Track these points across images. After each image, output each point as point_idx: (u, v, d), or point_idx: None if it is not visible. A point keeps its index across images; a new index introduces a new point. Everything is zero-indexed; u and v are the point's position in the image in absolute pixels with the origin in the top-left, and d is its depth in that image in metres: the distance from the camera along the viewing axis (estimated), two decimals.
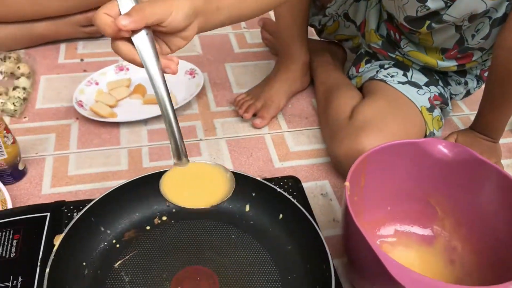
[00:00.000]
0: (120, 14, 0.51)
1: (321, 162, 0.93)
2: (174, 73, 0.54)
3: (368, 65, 0.99)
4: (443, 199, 0.76)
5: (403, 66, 0.94)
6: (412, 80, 0.92)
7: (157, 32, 0.54)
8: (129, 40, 0.52)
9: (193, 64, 1.11)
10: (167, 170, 0.58)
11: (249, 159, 0.93)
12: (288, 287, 0.66)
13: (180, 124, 0.98)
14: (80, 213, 0.66)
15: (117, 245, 0.70)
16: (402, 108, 0.87)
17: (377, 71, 0.95)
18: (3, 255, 0.68)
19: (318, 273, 0.64)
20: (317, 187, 0.88)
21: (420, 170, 0.75)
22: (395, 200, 0.78)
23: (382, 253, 0.56)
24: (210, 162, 0.61)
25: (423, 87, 0.91)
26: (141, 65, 0.52)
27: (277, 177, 0.80)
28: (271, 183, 0.73)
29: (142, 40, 0.51)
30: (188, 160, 0.58)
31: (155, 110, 1.00)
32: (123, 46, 0.52)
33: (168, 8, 0.52)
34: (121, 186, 0.71)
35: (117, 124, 0.99)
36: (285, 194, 0.70)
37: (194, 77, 1.08)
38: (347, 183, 0.65)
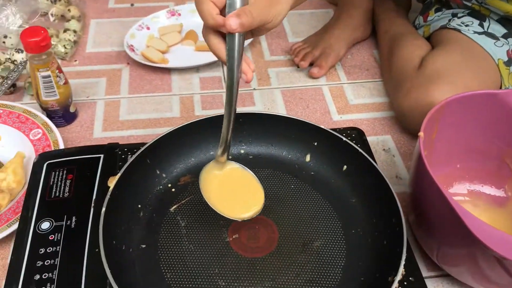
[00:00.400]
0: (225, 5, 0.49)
1: (384, 116, 0.87)
2: (249, 81, 0.54)
3: (439, 13, 0.91)
4: None
5: (479, 16, 0.86)
6: (489, 31, 0.84)
7: None
8: (221, 33, 0.51)
9: None
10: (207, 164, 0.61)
11: (305, 110, 0.88)
12: (351, 241, 0.62)
13: None
14: (135, 154, 0.63)
15: (173, 189, 0.67)
16: (477, 60, 0.80)
17: (449, 20, 0.87)
18: (57, 194, 0.66)
19: (385, 227, 0.60)
20: (378, 142, 0.83)
21: (496, 126, 0.69)
22: (465, 158, 0.72)
23: (460, 208, 0.51)
24: (247, 169, 0.62)
25: (501, 39, 0.83)
26: (224, 61, 0.51)
27: (339, 128, 0.75)
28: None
29: (234, 41, 0.50)
30: (228, 159, 0.60)
31: (207, 57, 0.95)
32: (214, 38, 0.51)
33: (272, 13, 0.51)
34: (176, 129, 0.67)
35: (168, 71, 0.95)
36: (352, 143, 0.65)
37: None
38: (421, 134, 0.60)
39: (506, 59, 0.81)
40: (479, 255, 0.53)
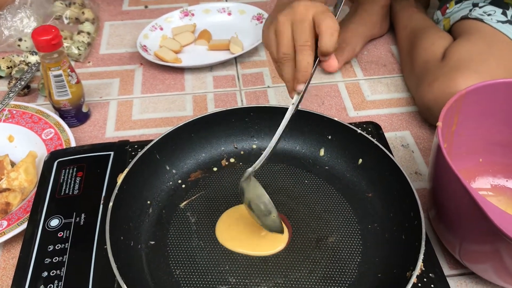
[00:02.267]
0: None
1: (402, 112, 0.84)
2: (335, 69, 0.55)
3: (458, 4, 0.88)
4: None
5: (502, 4, 0.83)
6: None
7: None
8: None
9: (261, 9, 1.04)
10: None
11: (320, 107, 0.86)
12: (368, 237, 0.59)
13: (247, 71, 0.95)
14: (144, 150, 0.62)
15: (183, 185, 0.65)
16: (502, 49, 0.77)
17: (470, 10, 0.84)
18: (67, 192, 0.65)
19: (403, 221, 0.57)
20: (397, 138, 0.80)
21: None
22: (488, 151, 0.69)
23: (483, 200, 0.48)
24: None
25: None
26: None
27: (354, 123, 0.73)
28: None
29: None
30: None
31: (220, 56, 0.95)
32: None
33: None
34: (186, 124, 0.66)
35: (181, 70, 0.94)
36: (368, 136, 0.63)
37: (261, 22, 1.02)
38: (439, 123, 0.57)
39: None
40: (504, 250, 0.50)
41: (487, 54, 0.75)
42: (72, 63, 0.96)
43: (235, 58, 0.96)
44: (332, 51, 0.51)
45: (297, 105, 0.54)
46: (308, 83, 0.53)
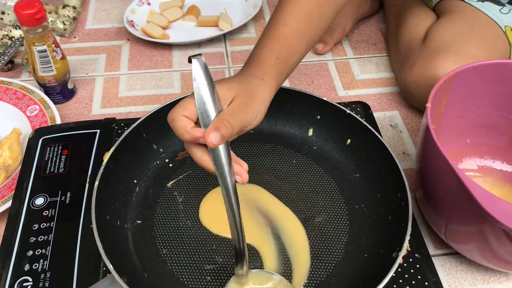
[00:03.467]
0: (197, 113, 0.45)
1: (391, 92, 0.84)
2: (245, 182, 0.48)
3: None
4: None
5: None
6: None
7: None
8: (204, 144, 0.46)
9: None
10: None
11: (310, 86, 0.85)
12: (355, 217, 0.59)
13: (236, 48, 0.93)
14: (130, 128, 0.61)
15: (170, 165, 0.65)
16: (482, 29, 0.76)
17: None
18: (52, 170, 0.64)
19: (390, 202, 0.57)
20: (385, 117, 0.80)
21: (508, 98, 0.65)
22: (476, 132, 0.69)
23: (469, 180, 0.48)
24: (273, 274, 0.53)
25: (507, 4, 0.79)
26: (214, 172, 0.46)
27: (343, 102, 0.72)
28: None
29: (218, 150, 0.45)
30: (249, 270, 0.51)
31: (209, 33, 0.93)
32: (197, 151, 0.47)
33: (250, 116, 0.47)
34: (173, 102, 0.64)
35: (169, 46, 0.93)
36: (357, 117, 0.63)
37: None
38: (428, 104, 0.57)
39: None
40: (488, 230, 0.51)
41: (468, 35, 0.74)
42: (57, 38, 0.94)
43: (224, 35, 0.95)
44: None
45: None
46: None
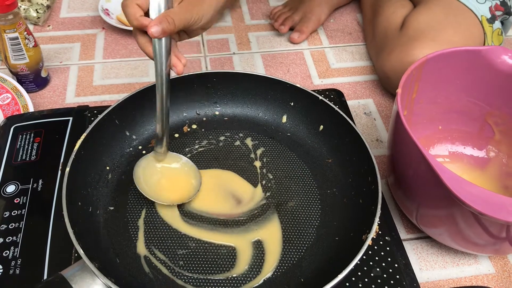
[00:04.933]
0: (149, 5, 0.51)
1: (366, 80, 0.85)
2: (179, 73, 0.56)
3: None
4: (503, 118, 0.67)
5: None
6: None
7: None
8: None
9: None
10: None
11: (286, 75, 0.86)
12: (327, 201, 0.60)
13: (212, 36, 0.93)
14: (102, 114, 0.61)
15: (143, 151, 0.65)
16: (459, 17, 0.77)
17: None
18: (24, 158, 0.64)
19: (361, 186, 0.58)
20: (359, 105, 0.80)
21: (479, 84, 0.66)
22: (447, 119, 0.70)
23: (438, 164, 0.49)
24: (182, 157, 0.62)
25: None
26: (152, 58, 0.53)
27: (317, 90, 0.73)
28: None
29: (161, 41, 0.52)
30: (167, 151, 0.60)
31: None
32: (141, 38, 0.53)
33: (195, 15, 0.53)
34: (146, 88, 0.64)
35: None
36: (329, 103, 0.63)
37: None
38: (399, 90, 0.58)
39: (489, 16, 0.79)
40: (458, 213, 0.52)
41: (445, 22, 0.75)
42: (31, 26, 0.93)
43: None
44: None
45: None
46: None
